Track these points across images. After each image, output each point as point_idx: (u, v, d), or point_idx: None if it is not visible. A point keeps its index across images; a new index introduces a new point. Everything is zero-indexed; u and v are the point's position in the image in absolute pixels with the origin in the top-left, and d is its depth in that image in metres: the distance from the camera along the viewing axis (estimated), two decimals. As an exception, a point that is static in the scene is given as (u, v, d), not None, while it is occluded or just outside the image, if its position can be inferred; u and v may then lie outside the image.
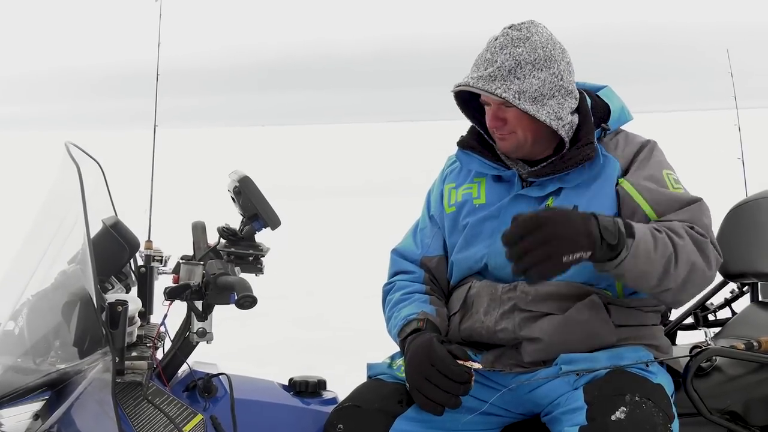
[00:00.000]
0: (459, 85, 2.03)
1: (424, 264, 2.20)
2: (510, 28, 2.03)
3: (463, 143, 2.17)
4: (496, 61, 1.98)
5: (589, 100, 2.11)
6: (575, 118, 2.05)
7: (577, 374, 1.88)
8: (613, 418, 1.76)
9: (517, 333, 1.98)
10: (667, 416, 1.80)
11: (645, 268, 1.81)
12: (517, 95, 1.96)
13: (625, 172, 2.03)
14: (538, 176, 2.05)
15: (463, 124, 2.19)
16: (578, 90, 2.09)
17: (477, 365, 1.89)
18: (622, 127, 2.15)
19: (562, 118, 2.01)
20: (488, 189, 2.12)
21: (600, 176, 2.02)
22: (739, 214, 2.45)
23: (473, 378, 1.88)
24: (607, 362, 1.89)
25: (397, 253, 2.27)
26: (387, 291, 2.22)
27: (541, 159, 2.08)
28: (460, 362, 1.88)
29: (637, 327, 2.01)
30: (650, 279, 1.83)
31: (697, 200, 1.99)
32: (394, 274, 2.25)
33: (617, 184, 2.01)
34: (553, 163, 2.04)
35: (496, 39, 2.02)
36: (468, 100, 2.14)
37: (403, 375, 1.98)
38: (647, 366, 1.90)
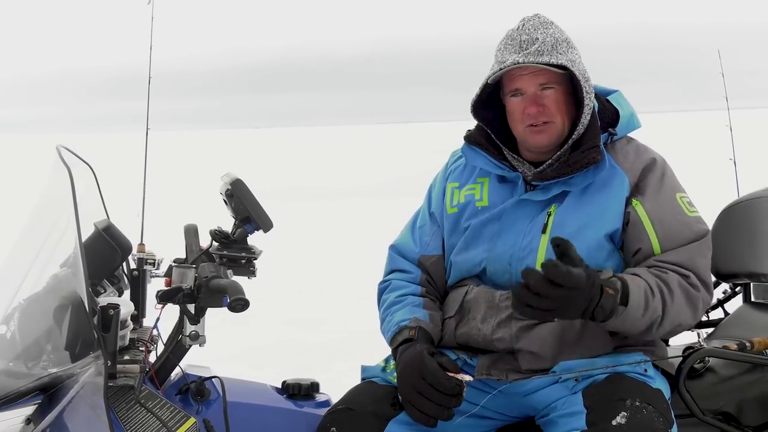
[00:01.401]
0: (505, 66, 1.96)
1: (422, 263, 2.18)
2: (528, 18, 2.02)
3: (470, 138, 2.13)
4: (537, 39, 1.97)
5: (596, 104, 2.07)
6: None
7: (576, 380, 1.87)
8: (614, 423, 1.76)
9: (513, 344, 1.97)
10: (666, 421, 1.80)
11: (628, 329, 1.88)
12: (571, 63, 1.96)
13: (634, 188, 1.99)
14: (542, 179, 2.02)
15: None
16: None
17: (468, 377, 1.89)
18: (633, 136, 2.11)
19: (592, 100, 2.01)
20: (491, 190, 2.10)
21: (606, 188, 1.99)
22: (731, 215, 2.45)
23: (465, 390, 1.87)
24: (603, 365, 1.88)
25: (395, 250, 2.24)
26: (382, 289, 2.21)
27: (546, 161, 2.03)
28: (451, 375, 1.87)
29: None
30: (630, 333, 1.91)
31: (702, 235, 1.98)
32: (390, 271, 2.23)
33: (629, 203, 1.98)
34: (558, 165, 2.00)
35: (523, 25, 2.00)
36: (476, 108, 2.08)
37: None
38: (645, 371, 1.90)
